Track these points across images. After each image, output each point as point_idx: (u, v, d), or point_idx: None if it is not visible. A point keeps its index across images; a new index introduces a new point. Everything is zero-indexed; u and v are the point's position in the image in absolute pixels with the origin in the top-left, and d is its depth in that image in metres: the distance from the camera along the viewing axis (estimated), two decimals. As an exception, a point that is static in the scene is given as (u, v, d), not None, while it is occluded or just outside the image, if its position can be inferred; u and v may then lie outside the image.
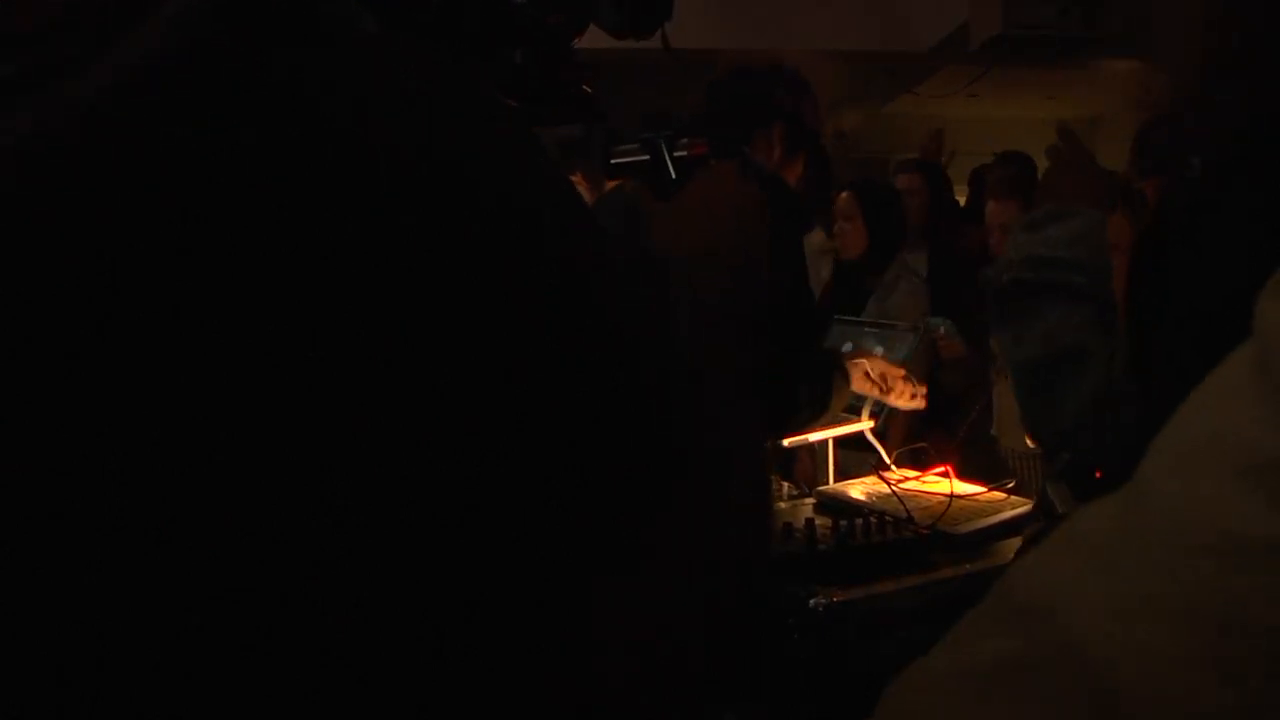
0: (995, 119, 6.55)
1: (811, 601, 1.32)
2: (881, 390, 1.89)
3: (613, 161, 0.97)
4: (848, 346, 2.25)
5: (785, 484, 1.86)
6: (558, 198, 0.44)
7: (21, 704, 0.36)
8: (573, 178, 2.67)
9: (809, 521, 1.54)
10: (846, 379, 1.82)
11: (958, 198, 4.30)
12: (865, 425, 2.00)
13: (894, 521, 1.55)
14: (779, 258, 1.62)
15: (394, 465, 0.37)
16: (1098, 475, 1.00)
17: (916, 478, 1.88)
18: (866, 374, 1.87)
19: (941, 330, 2.73)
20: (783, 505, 1.75)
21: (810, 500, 1.80)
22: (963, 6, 5.07)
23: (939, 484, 1.80)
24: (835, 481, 1.97)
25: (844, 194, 3.05)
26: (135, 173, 0.36)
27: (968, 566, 1.48)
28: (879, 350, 2.17)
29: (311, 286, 0.36)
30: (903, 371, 1.93)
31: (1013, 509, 1.65)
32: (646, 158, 0.96)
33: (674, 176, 0.95)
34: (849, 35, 5.40)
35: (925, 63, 5.71)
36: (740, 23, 4.98)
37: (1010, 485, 1.79)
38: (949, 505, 1.66)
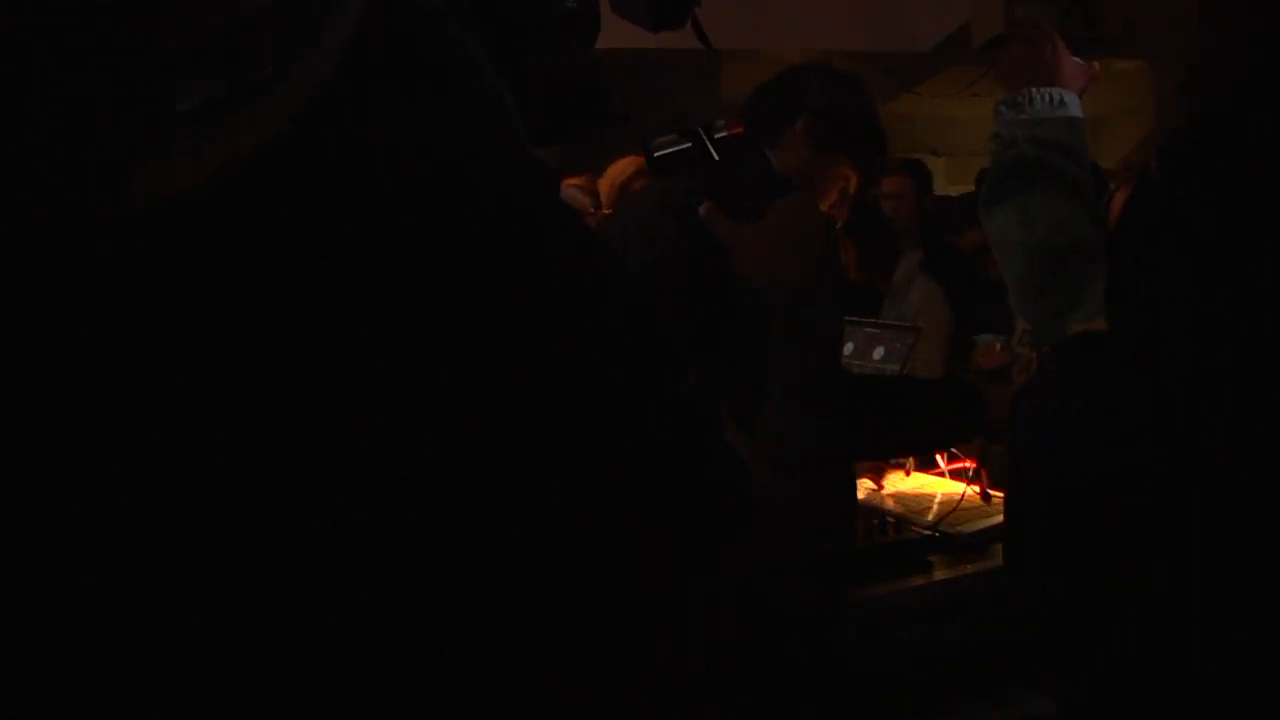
0: (996, 119, 6.52)
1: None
2: None
3: (655, 155, 0.96)
4: (849, 348, 2.24)
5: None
6: (557, 197, 0.44)
7: (21, 704, 0.36)
8: (575, 180, 2.63)
9: (810, 522, 1.54)
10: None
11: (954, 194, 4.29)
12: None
13: (895, 522, 1.55)
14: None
15: (394, 465, 0.37)
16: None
17: (939, 472, 1.88)
18: None
19: (998, 347, 2.71)
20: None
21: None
22: (964, 7, 5.07)
23: (941, 484, 1.80)
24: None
25: None
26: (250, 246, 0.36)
27: (969, 568, 1.48)
28: (879, 351, 2.16)
29: (311, 286, 0.36)
30: None
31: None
32: (689, 145, 0.96)
33: (717, 158, 0.95)
34: (850, 35, 5.40)
35: (927, 63, 5.70)
36: (741, 23, 4.98)
37: (1011, 485, 1.79)
38: (956, 506, 1.66)
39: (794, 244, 0.73)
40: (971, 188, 4.51)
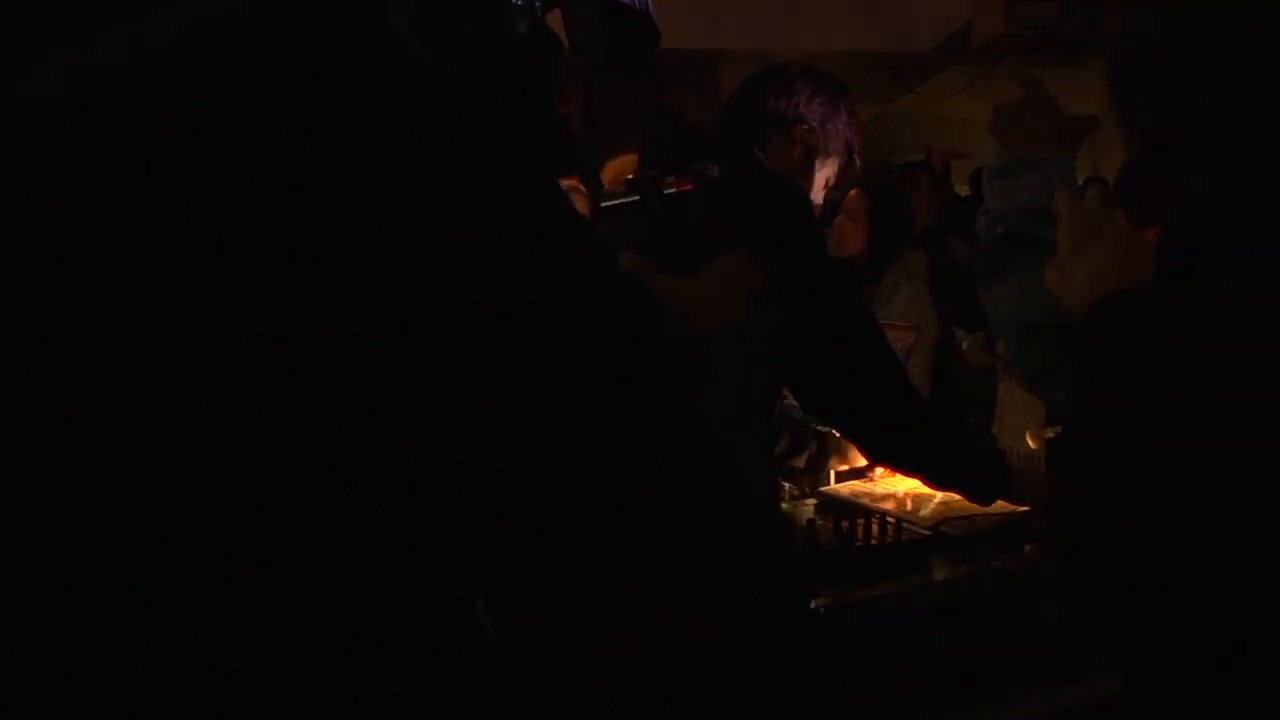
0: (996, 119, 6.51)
1: (812, 602, 1.32)
2: None
3: (603, 205, 0.97)
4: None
5: (787, 485, 1.86)
6: (564, 206, 0.44)
7: (22, 704, 0.36)
8: (568, 182, 2.64)
9: (810, 522, 1.55)
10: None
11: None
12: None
13: (895, 522, 1.55)
14: (801, 262, 1.54)
15: (403, 468, 0.37)
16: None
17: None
18: None
19: (965, 345, 2.73)
20: (784, 506, 1.75)
21: (812, 501, 1.80)
22: (964, 7, 5.07)
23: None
24: (837, 482, 1.97)
25: (853, 191, 3.00)
26: (133, 168, 0.36)
27: (969, 568, 1.48)
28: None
29: (323, 288, 0.36)
30: None
31: (1013, 510, 1.65)
32: (636, 198, 0.97)
33: (662, 214, 0.96)
34: (850, 35, 5.40)
35: (927, 63, 5.70)
36: (741, 23, 4.98)
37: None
38: (956, 506, 1.66)
39: (716, 293, 0.73)
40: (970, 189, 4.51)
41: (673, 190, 0.97)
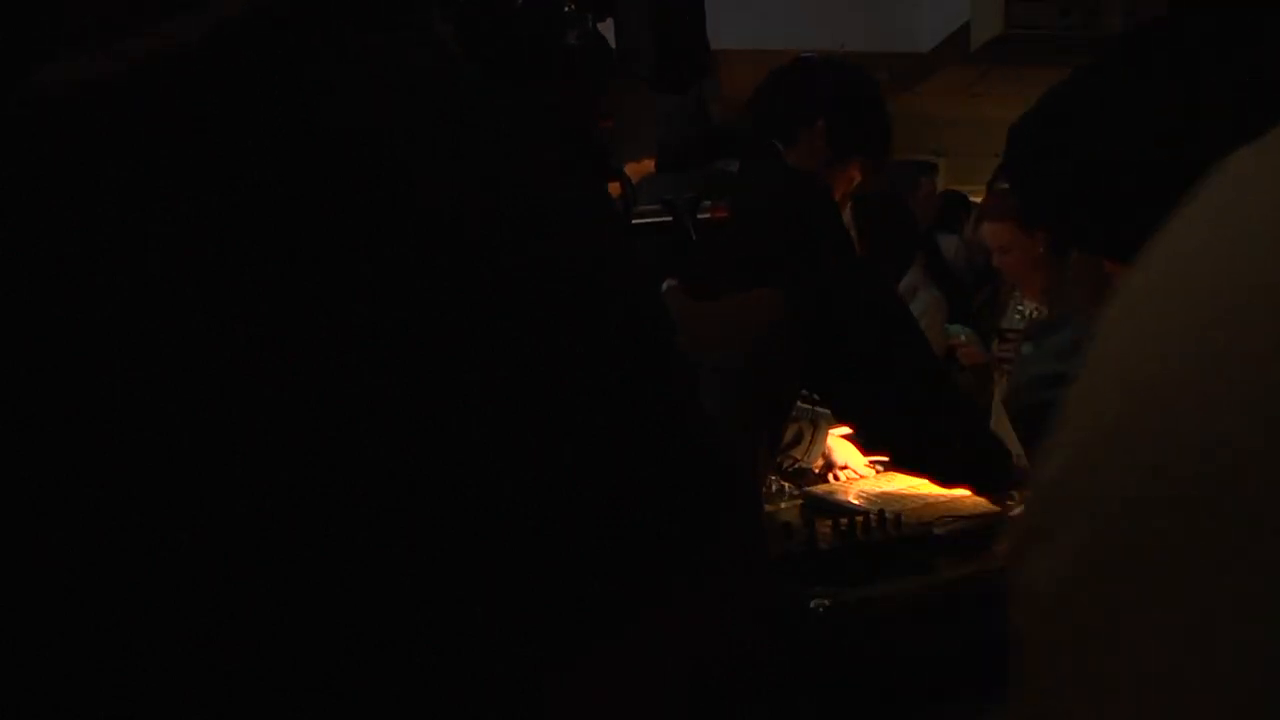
0: (996, 119, 6.53)
1: (812, 602, 1.32)
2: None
3: (634, 221, 0.96)
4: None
5: (787, 485, 1.86)
6: (565, 206, 0.44)
7: (22, 704, 0.36)
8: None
9: (809, 521, 1.55)
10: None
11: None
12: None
13: (895, 521, 1.55)
14: (826, 264, 1.50)
15: (403, 468, 0.37)
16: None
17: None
18: None
19: (963, 338, 2.72)
20: (783, 506, 1.75)
21: (800, 500, 1.80)
22: (964, 7, 5.08)
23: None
24: (833, 482, 1.97)
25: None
26: (134, 168, 0.36)
27: (969, 568, 1.48)
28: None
29: (323, 288, 0.36)
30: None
31: (1013, 509, 1.65)
32: (669, 219, 0.96)
33: (694, 238, 0.95)
34: (850, 35, 5.40)
35: (927, 63, 5.71)
36: (741, 23, 4.98)
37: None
38: (955, 506, 1.66)
39: (736, 328, 0.74)
40: (971, 188, 4.52)
41: (706, 215, 0.96)
